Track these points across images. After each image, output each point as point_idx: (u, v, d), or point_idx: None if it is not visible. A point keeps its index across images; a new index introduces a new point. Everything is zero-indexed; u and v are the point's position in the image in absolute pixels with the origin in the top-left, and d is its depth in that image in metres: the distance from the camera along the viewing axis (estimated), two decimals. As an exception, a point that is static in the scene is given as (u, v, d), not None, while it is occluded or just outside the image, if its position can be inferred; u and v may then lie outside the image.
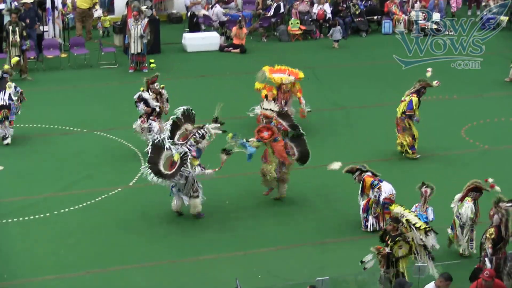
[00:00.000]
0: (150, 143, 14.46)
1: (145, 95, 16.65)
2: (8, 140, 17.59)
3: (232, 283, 11.36)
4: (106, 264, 13.22)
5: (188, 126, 14.65)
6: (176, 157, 14.09)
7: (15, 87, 17.62)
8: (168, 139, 14.33)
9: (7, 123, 17.48)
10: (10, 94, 17.38)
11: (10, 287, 12.63)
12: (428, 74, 17.26)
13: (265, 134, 14.84)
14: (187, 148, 14.28)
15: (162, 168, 14.07)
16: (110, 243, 13.89)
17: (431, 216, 13.31)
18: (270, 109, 15.37)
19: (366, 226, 14.12)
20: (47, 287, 12.74)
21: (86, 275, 12.89)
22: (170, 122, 14.64)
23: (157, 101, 16.82)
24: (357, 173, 14.21)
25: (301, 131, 15.32)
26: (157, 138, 14.41)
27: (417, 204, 13.42)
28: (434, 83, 17.08)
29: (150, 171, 14.02)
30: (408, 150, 16.97)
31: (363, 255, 12.06)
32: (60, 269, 13.05)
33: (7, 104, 17.37)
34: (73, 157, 17.19)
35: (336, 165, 14.65)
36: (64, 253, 13.56)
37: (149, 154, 14.29)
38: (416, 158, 16.98)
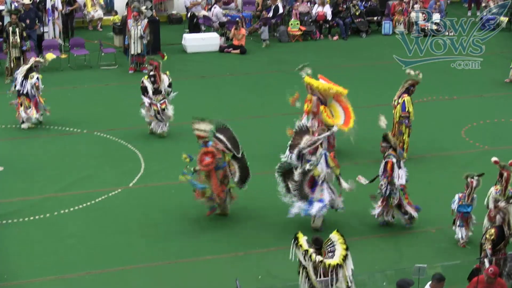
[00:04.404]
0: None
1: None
2: (25, 125, 18.38)
3: (232, 283, 11.36)
4: (106, 264, 13.22)
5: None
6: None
7: (38, 79, 18.20)
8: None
9: (29, 110, 18.24)
10: (31, 84, 18.07)
11: (10, 288, 12.68)
12: (412, 72, 17.06)
13: (207, 159, 14.11)
14: None
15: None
16: (110, 244, 13.89)
17: (475, 204, 13.50)
18: (203, 129, 14.29)
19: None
20: (47, 287, 12.74)
21: (86, 275, 12.89)
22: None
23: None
24: (387, 146, 14.13)
25: (241, 152, 14.47)
26: None
27: (460, 195, 13.52)
28: (417, 74, 17.03)
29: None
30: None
31: (362, 255, 12.06)
32: (60, 270, 13.06)
33: (26, 92, 18.08)
34: (73, 158, 17.20)
35: (383, 122, 14.84)
36: (64, 253, 13.57)
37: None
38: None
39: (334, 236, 11.29)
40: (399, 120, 16.78)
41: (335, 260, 10.97)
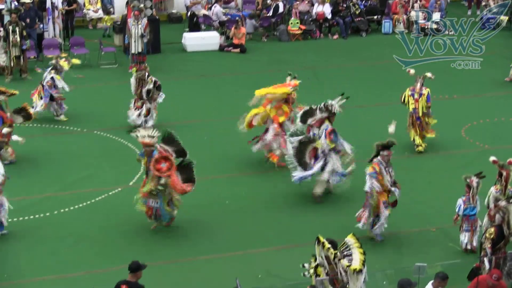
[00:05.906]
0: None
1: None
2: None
3: (232, 283, 11.36)
4: (106, 264, 13.21)
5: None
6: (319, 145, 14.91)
7: (52, 79, 18.67)
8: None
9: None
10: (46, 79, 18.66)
11: (10, 287, 12.65)
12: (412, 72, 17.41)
13: (163, 166, 13.65)
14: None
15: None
16: (110, 243, 13.91)
17: (478, 207, 13.40)
18: (149, 135, 13.80)
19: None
20: (47, 287, 12.76)
21: (86, 275, 12.90)
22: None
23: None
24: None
25: (189, 160, 14.09)
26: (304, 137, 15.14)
27: (464, 198, 13.37)
28: (428, 74, 17.31)
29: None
30: (423, 144, 17.12)
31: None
32: (60, 269, 13.07)
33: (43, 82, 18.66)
34: (73, 157, 17.21)
35: (392, 128, 15.00)
36: (64, 253, 13.58)
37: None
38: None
39: (350, 239, 10.98)
40: (427, 112, 17.06)
41: (356, 265, 10.66)
